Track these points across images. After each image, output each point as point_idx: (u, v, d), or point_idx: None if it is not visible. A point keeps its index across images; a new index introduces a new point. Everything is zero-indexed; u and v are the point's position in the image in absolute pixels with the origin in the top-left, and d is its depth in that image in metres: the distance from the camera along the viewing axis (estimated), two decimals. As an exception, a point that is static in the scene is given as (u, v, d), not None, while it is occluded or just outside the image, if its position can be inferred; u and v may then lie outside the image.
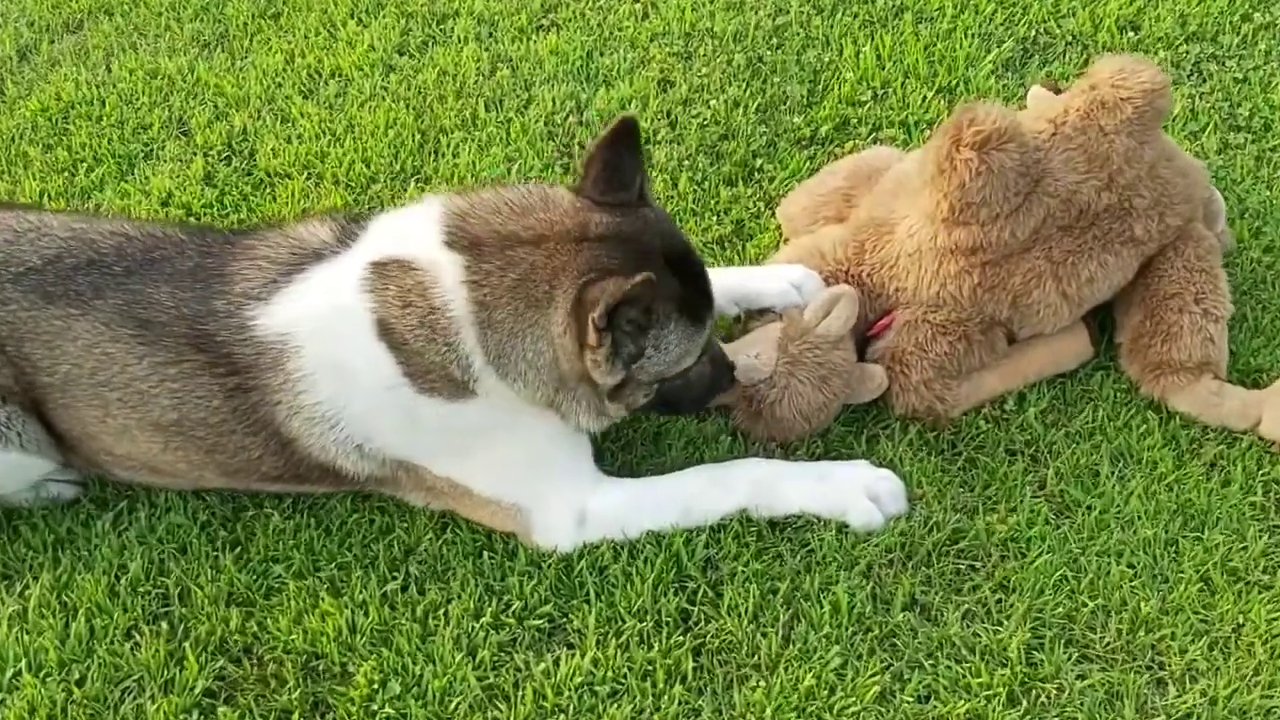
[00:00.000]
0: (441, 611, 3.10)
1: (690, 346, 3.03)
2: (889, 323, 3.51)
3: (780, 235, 3.97)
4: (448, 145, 4.32)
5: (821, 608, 2.98)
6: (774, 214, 3.91)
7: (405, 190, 4.20)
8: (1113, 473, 3.28)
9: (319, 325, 2.87)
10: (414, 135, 4.35)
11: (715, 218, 4.06)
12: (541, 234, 2.76)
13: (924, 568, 3.19)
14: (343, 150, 4.29)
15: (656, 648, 2.96)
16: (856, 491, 3.24)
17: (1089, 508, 3.21)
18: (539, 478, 3.17)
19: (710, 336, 3.13)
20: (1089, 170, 3.19)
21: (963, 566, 3.20)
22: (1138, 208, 3.27)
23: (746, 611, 2.99)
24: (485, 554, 3.22)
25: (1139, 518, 3.18)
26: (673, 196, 4.11)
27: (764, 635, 2.96)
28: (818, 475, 3.27)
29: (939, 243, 3.35)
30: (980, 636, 2.94)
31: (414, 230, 2.84)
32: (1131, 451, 3.33)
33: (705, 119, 4.33)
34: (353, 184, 4.21)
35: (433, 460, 3.12)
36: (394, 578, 3.18)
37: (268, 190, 4.22)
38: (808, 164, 4.14)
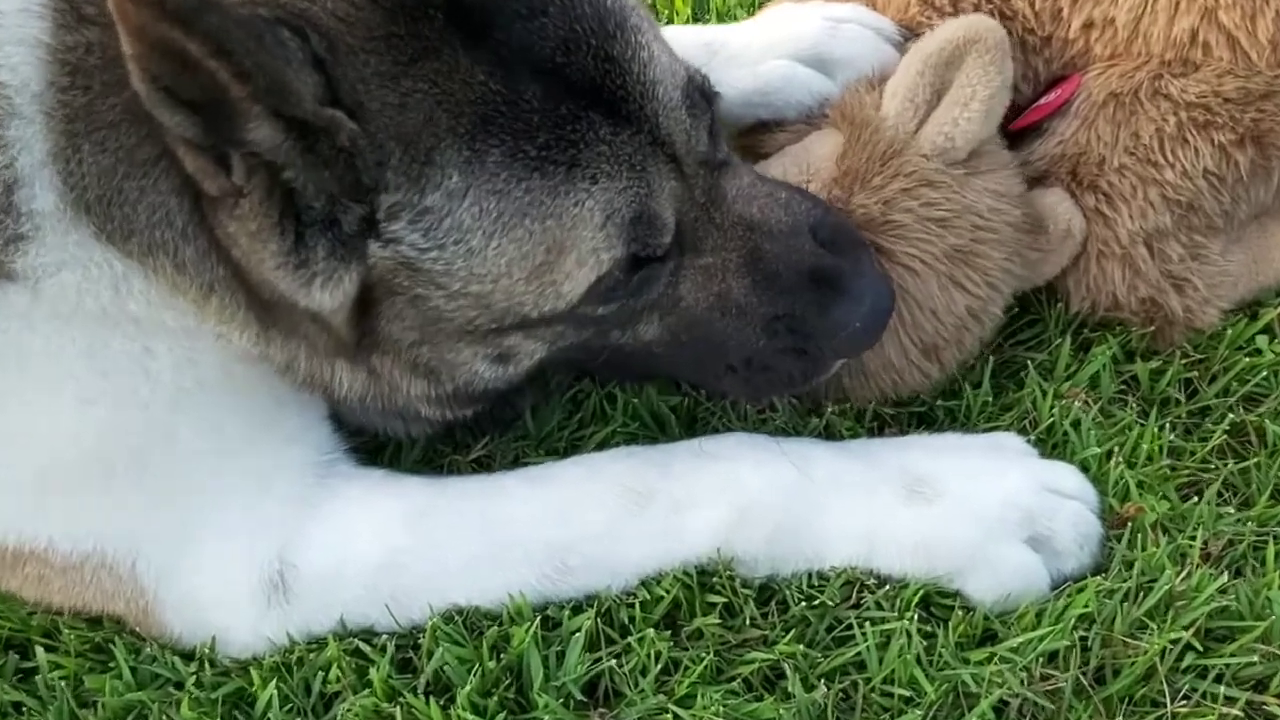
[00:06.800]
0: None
1: (543, 208, 1.18)
2: (1064, 98, 1.53)
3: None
4: None
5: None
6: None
7: None
8: None
9: None
10: None
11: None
12: None
13: (1141, 707, 1.27)
14: None
15: None
16: (1000, 527, 1.33)
17: None
18: (165, 493, 1.28)
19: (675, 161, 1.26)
20: None
21: (1237, 711, 1.27)
22: None
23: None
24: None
25: None
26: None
27: None
28: (905, 481, 1.35)
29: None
30: None
31: None
32: None
33: None
34: None
35: None
36: None
37: None
38: None
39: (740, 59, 1.57)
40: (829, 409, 1.46)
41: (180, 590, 1.28)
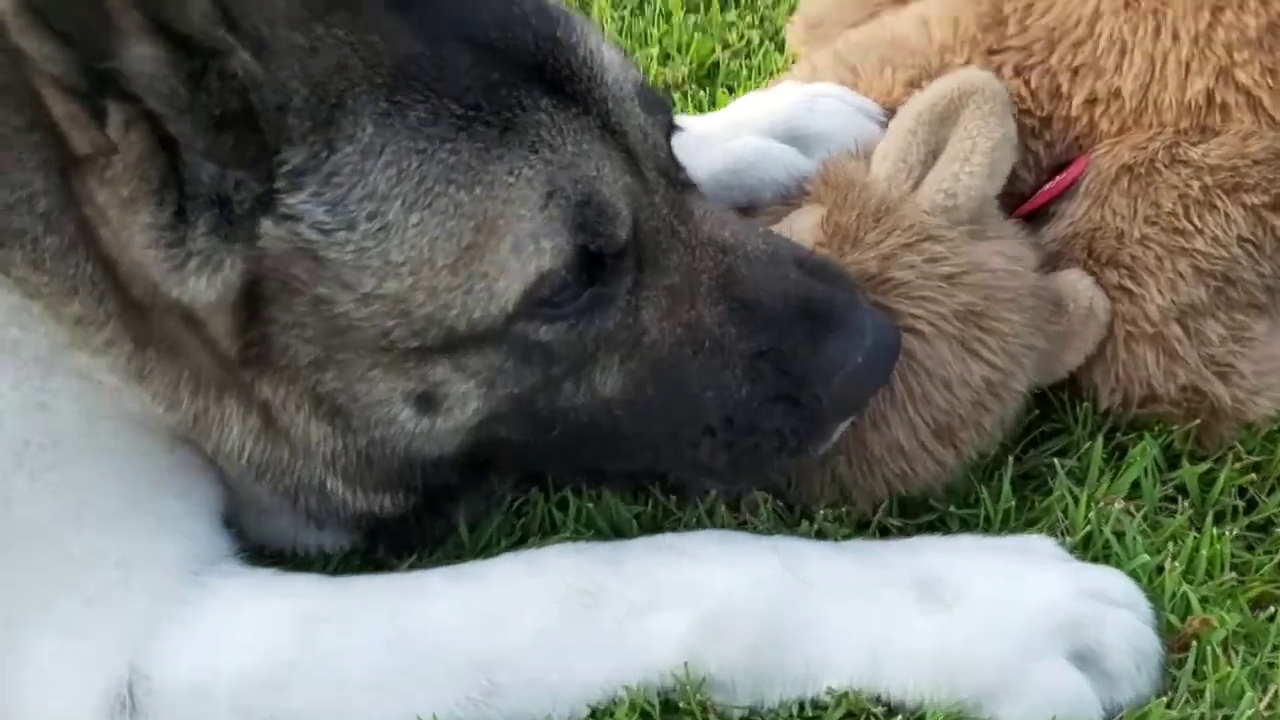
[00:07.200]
0: None
1: (490, 177, 0.99)
2: (1071, 177, 1.38)
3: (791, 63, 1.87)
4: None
5: None
6: (778, 44, 2.02)
7: None
8: None
9: None
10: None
11: (674, 56, 1.97)
12: None
13: None
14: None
15: None
16: (1037, 638, 1.07)
17: None
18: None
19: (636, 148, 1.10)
20: None
21: None
22: None
23: None
24: None
25: None
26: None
27: None
28: (917, 583, 1.10)
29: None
30: None
31: None
32: None
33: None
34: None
35: None
36: None
37: None
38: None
39: (708, 139, 1.42)
40: (821, 512, 1.22)
41: (8, 704, 1.01)
